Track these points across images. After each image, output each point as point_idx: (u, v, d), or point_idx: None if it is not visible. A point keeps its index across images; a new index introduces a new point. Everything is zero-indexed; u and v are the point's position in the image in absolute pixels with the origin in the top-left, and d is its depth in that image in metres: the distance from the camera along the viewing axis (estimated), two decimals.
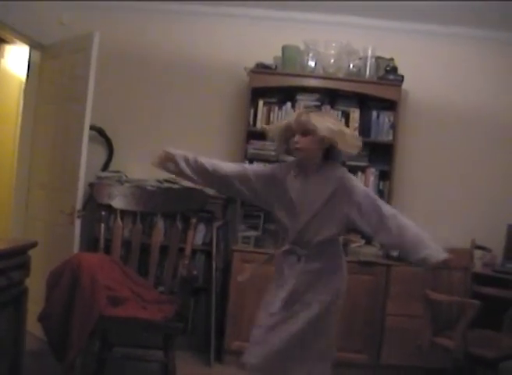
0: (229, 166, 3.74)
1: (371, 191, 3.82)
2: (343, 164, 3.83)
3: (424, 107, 5.88)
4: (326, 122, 3.43)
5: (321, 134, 3.38)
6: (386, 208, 3.48)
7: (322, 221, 3.47)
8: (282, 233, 3.66)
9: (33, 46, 5.60)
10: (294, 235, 3.52)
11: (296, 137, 3.42)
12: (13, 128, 6.23)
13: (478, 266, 5.33)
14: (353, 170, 5.58)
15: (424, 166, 5.90)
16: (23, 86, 5.88)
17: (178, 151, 3.72)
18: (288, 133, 3.51)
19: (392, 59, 5.63)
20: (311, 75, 5.63)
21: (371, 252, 5.40)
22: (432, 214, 5.79)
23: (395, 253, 5.37)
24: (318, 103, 5.60)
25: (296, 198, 3.47)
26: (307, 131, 3.40)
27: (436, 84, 5.89)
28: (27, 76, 5.73)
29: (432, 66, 5.88)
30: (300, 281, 3.53)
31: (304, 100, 5.62)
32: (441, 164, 5.89)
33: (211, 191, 5.28)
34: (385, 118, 5.60)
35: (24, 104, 5.77)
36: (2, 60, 6.18)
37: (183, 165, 3.67)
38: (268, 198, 3.59)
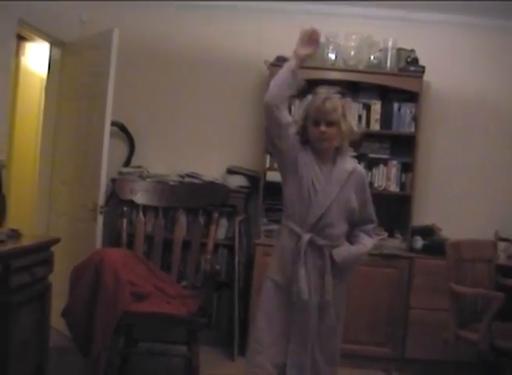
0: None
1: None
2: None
3: (447, 98, 5.83)
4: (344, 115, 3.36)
5: (343, 128, 3.32)
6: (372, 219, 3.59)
7: (338, 211, 3.36)
8: (292, 213, 3.42)
9: (54, 43, 5.62)
10: (313, 221, 3.33)
11: (323, 127, 3.29)
12: (35, 125, 6.27)
13: (502, 258, 5.28)
14: (375, 163, 5.57)
15: (446, 157, 5.86)
16: (44, 83, 5.91)
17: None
18: (309, 122, 3.37)
19: (413, 50, 5.58)
20: (332, 68, 5.60)
21: (393, 245, 5.38)
22: (455, 206, 5.76)
23: (418, 245, 5.35)
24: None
25: (316, 181, 3.33)
26: (332, 122, 3.30)
27: (458, 75, 5.84)
28: (48, 73, 5.75)
29: (454, 57, 5.83)
30: (320, 280, 3.35)
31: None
32: (463, 155, 5.85)
33: (232, 185, 5.30)
34: (407, 110, 5.56)
35: (45, 101, 5.79)
36: (23, 58, 6.20)
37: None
38: (285, 162, 3.43)
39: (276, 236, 3.67)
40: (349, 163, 3.44)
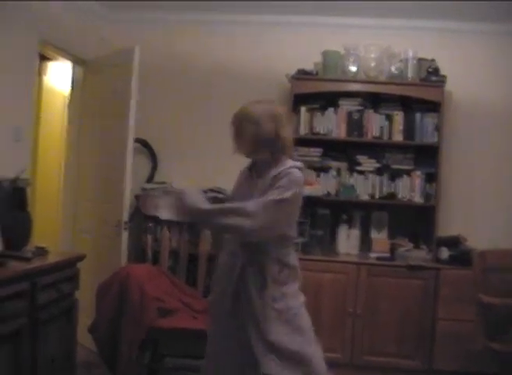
0: None
1: (276, 198, 3.04)
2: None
3: (469, 107, 5.79)
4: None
5: (249, 136, 3.31)
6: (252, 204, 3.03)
7: None
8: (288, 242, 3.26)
9: (76, 62, 5.67)
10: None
11: (236, 139, 3.36)
12: (59, 143, 6.31)
13: None
14: (399, 174, 5.55)
15: (470, 166, 5.80)
16: (66, 101, 5.95)
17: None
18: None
19: (433, 60, 5.57)
20: (353, 79, 5.60)
21: (419, 256, 5.34)
22: (480, 216, 5.71)
23: (444, 256, 5.31)
24: (360, 107, 5.59)
25: (242, 195, 3.26)
26: (237, 134, 3.40)
27: (480, 83, 5.79)
28: (71, 91, 5.80)
29: (475, 65, 5.78)
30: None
31: (346, 105, 5.61)
32: (487, 164, 5.79)
33: None
34: (430, 120, 5.54)
35: (68, 119, 5.84)
36: (45, 77, 6.26)
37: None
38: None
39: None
40: (278, 169, 3.11)
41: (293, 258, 3.22)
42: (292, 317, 3.07)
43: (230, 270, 3.10)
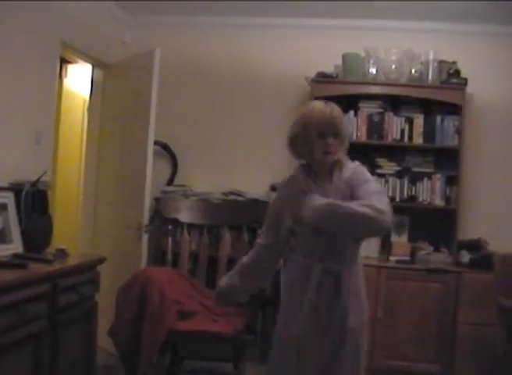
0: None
1: (380, 189, 3.17)
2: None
3: (490, 110, 5.75)
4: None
5: (346, 137, 3.06)
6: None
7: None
8: (300, 245, 3.11)
9: (96, 65, 5.70)
10: (322, 247, 3.01)
11: (330, 140, 2.96)
12: (78, 146, 6.35)
13: None
14: (419, 177, 5.52)
15: (491, 169, 5.76)
16: (86, 104, 5.98)
17: (223, 279, 3.32)
18: (309, 135, 3.01)
19: (454, 62, 5.54)
20: (373, 82, 5.58)
21: (439, 259, 5.30)
22: (502, 219, 5.66)
23: (465, 260, 5.28)
24: (380, 110, 5.57)
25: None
26: (338, 133, 3.00)
27: (501, 86, 5.76)
28: (91, 94, 5.82)
29: (496, 68, 5.74)
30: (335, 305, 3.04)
31: (366, 107, 5.59)
32: (508, 167, 5.75)
33: None
34: (450, 122, 5.50)
35: (89, 122, 5.87)
36: (66, 80, 6.30)
37: (236, 281, 3.22)
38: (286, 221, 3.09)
39: (282, 273, 3.26)
40: (346, 171, 3.05)
41: None
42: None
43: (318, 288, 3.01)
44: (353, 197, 2.94)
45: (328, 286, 2.99)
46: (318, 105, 3.04)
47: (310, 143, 3.01)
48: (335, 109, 3.01)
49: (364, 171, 3.09)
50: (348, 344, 2.98)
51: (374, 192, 2.93)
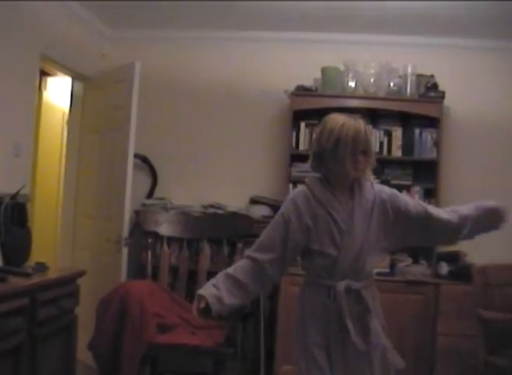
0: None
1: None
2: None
3: (468, 122, 5.80)
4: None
5: (373, 154, 2.98)
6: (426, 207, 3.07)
7: (369, 248, 2.95)
8: (315, 269, 3.01)
9: (76, 77, 5.70)
10: (345, 267, 2.92)
11: (360, 157, 2.88)
12: (58, 159, 6.33)
13: None
14: (398, 189, 5.43)
15: (469, 182, 5.79)
16: (66, 117, 5.97)
17: (208, 290, 2.94)
18: (339, 152, 2.89)
19: (432, 76, 5.59)
20: (352, 95, 5.61)
21: (419, 271, 5.33)
22: None
23: (444, 271, 5.31)
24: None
25: (341, 220, 2.91)
26: (367, 150, 2.91)
27: (478, 99, 5.81)
28: (70, 107, 5.81)
29: (473, 81, 5.81)
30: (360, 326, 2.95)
31: None
32: (487, 179, 5.79)
33: (256, 215, 5.30)
34: (428, 135, 5.55)
35: (68, 134, 5.86)
36: (45, 92, 6.28)
37: (224, 294, 2.90)
38: (301, 241, 2.96)
39: (299, 300, 3.10)
40: (369, 191, 3.01)
41: None
42: None
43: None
44: (399, 214, 3.00)
45: (352, 305, 2.93)
46: (348, 120, 2.91)
47: (340, 158, 2.88)
48: (366, 126, 2.94)
49: (389, 189, 3.11)
50: (379, 362, 2.95)
51: (413, 200, 3.19)
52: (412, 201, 3.13)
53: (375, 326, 2.96)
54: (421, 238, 3.12)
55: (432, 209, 3.09)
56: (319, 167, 3.00)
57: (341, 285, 2.89)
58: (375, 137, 5.56)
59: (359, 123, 2.90)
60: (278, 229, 2.98)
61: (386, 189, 3.09)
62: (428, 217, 3.01)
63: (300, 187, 3.06)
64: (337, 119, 2.93)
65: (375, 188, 3.04)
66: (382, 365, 2.96)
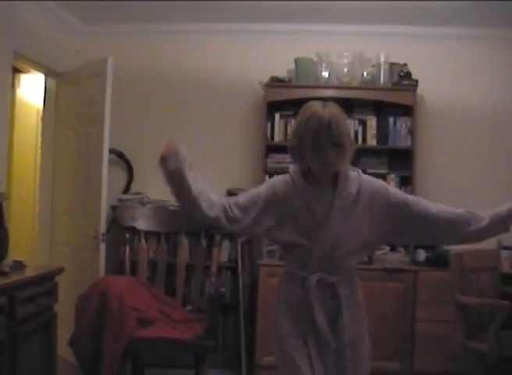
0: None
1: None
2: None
3: (441, 110, 5.85)
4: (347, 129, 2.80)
5: (348, 145, 2.74)
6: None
7: (349, 242, 2.83)
8: (291, 257, 2.95)
9: (49, 74, 5.66)
10: (319, 258, 2.82)
11: (329, 151, 2.69)
12: (33, 156, 6.30)
13: (505, 267, 5.27)
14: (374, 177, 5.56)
15: (444, 169, 5.85)
16: (40, 114, 5.94)
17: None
18: (306, 146, 2.74)
19: (405, 65, 5.62)
20: (326, 85, 5.64)
21: (396, 259, 5.37)
22: None
23: (421, 258, 5.35)
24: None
25: (318, 213, 2.80)
26: (338, 143, 2.70)
27: (452, 87, 5.85)
28: (44, 103, 5.78)
29: (447, 69, 5.84)
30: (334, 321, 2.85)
31: None
32: (461, 166, 5.85)
33: None
34: (403, 124, 5.59)
35: (43, 131, 5.82)
36: (18, 90, 6.24)
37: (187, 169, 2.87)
38: (269, 221, 2.85)
39: (279, 288, 3.01)
40: (352, 183, 2.84)
41: None
42: None
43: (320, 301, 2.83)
44: (384, 216, 2.84)
45: (326, 298, 2.83)
46: (314, 109, 2.74)
47: (306, 156, 2.75)
48: (333, 115, 2.72)
49: (377, 181, 2.95)
50: (349, 358, 2.85)
51: (414, 198, 2.98)
52: (402, 193, 2.97)
53: (348, 321, 2.85)
54: (417, 234, 2.95)
55: (429, 203, 2.94)
56: (296, 162, 2.89)
57: (313, 278, 2.80)
58: (350, 126, 5.57)
59: (327, 113, 2.70)
60: (258, 198, 2.85)
61: (375, 181, 2.93)
62: (420, 210, 2.85)
63: (283, 176, 2.95)
64: (306, 112, 2.78)
65: (363, 179, 2.89)
66: (353, 358, 2.87)
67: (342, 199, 2.81)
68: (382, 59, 5.61)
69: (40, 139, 5.92)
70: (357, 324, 2.93)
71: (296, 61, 5.64)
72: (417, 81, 5.53)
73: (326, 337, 2.80)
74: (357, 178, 2.87)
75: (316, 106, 2.77)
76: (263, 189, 2.91)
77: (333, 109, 2.75)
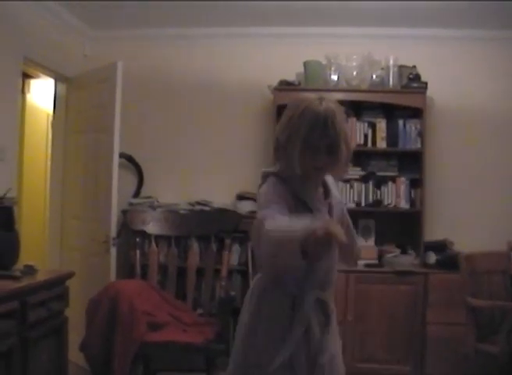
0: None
1: None
2: None
3: (451, 112, 5.83)
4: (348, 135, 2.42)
5: (343, 149, 2.37)
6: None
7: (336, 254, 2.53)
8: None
9: (58, 79, 5.68)
10: (321, 273, 2.46)
11: (323, 155, 2.35)
12: (43, 161, 6.32)
13: None
14: (384, 180, 5.58)
15: (454, 171, 5.84)
16: (50, 119, 5.96)
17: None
18: (297, 144, 2.36)
19: (414, 67, 5.61)
20: (335, 89, 5.62)
21: (407, 261, 5.36)
22: (466, 219, 5.74)
23: (431, 261, 5.35)
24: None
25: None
26: (334, 146, 2.35)
27: (461, 88, 5.84)
28: (54, 108, 5.79)
29: (456, 71, 5.83)
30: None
31: None
32: (471, 168, 5.83)
33: (243, 211, 5.30)
34: (412, 126, 5.58)
35: (53, 136, 5.84)
36: (28, 95, 6.27)
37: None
38: None
39: (253, 308, 2.53)
40: (335, 189, 2.60)
41: None
42: None
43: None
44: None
45: (320, 316, 2.48)
46: (310, 103, 2.38)
47: (293, 156, 2.36)
48: (331, 112, 2.36)
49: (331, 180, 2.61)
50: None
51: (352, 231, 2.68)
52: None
53: (332, 338, 2.56)
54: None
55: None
56: (280, 162, 2.49)
57: (310, 296, 2.43)
58: (360, 129, 5.59)
59: (326, 110, 2.35)
60: (277, 201, 2.32)
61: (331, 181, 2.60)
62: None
63: (267, 185, 2.47)
64: (300, 105, 2.41)
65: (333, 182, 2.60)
66: (330, 371, 2.56)
67: (335, 210, 2.53)
68: (391, 62, 5.60)
69: (50, 144, 5.94)
70: (336, 340, 2.64)
71: (305, 64, 5.64)
72: (426, 83, 5.51)
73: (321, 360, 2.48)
74: (335, 186, 2.62)
75: (312, 100, 2.40)
76: (276, 199, 2.35)
77: (331, 105, 2.38)
